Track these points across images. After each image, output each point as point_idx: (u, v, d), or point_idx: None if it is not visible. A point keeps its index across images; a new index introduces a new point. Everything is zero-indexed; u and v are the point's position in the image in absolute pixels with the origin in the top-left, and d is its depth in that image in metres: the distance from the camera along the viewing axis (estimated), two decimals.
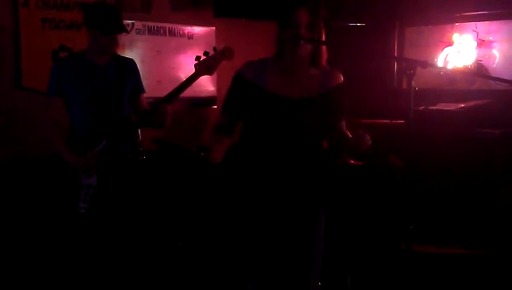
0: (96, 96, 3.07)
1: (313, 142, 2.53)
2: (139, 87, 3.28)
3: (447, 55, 5.09)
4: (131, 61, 3.28)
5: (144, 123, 3.24)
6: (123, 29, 3.11)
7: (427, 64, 2.25)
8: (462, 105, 4.59)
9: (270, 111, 2.47)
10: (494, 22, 4.83)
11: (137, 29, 4.55)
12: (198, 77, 3.12)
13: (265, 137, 2.49)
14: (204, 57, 3.10)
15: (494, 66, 4.85)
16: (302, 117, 2.46)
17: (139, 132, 3.60)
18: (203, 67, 3.10)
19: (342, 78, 2.57)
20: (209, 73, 3.14)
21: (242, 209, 2.54)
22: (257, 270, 2.51)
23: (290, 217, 2.50)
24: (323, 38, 2.50)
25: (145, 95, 3.35)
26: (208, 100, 5.07)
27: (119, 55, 3.26)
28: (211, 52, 3.13)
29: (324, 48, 2.52)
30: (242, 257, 2.57)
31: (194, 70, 3.14)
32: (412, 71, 2.18)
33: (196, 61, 3.09)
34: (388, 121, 4.23)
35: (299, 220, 2.51)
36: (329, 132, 2.57)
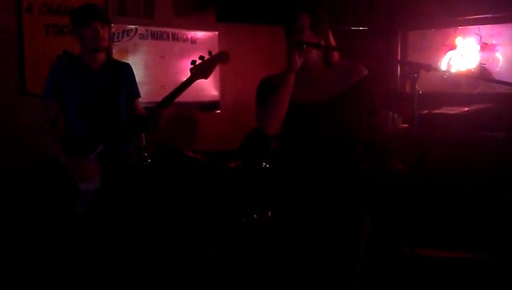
0: (91, 100, 3.04)
1: (348, 142, 2.51)
2: (134, 92, 3.24)
3: (450, 58, 5.09)
4: (126, 66, 3.24)
5: (140, 128, 3.23)
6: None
7: (431, 67, 2.24)
8: (466, 108, 4.58)
9: (295, 120, 2.47)
10: (497, 25, 4.83)
11: (140, 34, 4.56)
12: (194, 81, 3.09)
13: (299, 147, 2.50)
14: (200, 61, 3.10)
15: (498, 69, 4.84)
16: (328, 119, 2.45)
17: (143, 136, 3.59)
18: (198, 71, 3.09)
19: (365, 72, 2.52)
20: (205, 77, 3.12)
21: (288, 217, 2.56)
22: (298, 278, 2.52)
23: (336, 222, 2.49)
24: (331, 39, 2.49)
25: (149, 100, 3.34)
26: (211, 105, 5.07)
27: (114, 60, 3.25)
28: (207, 56, 3.13)
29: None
30: (282, 266, 2.59)
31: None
32: (415, 75, 2.16)
33: (192, 65, 3.09)
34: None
35: (346, 224, 2.50)
36: (365, 127, 2.54)
